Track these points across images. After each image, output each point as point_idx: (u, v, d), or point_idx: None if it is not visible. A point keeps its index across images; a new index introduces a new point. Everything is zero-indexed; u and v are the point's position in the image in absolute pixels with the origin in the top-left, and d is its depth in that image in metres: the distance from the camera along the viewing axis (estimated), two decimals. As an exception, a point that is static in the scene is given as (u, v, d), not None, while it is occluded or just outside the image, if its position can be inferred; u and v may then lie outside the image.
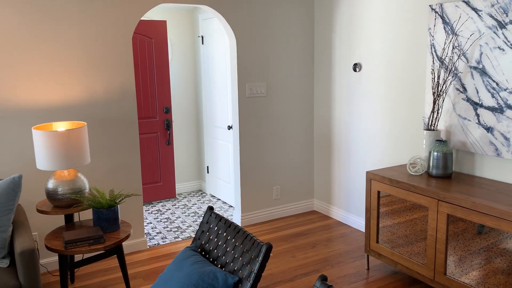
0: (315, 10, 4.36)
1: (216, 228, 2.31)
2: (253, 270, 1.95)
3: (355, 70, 3.94)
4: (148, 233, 4.17)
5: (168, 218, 4.58)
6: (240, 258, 2.06)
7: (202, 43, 5.08)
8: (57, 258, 3.45)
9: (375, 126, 3.81)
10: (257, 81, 4.16)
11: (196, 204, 5.03)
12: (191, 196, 5.34)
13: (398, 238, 3.07)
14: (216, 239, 2.27)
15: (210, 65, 4.99)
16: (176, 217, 4.59)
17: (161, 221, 4.50)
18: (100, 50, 3.39)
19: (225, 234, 2.23)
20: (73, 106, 3.34)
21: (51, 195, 2.89)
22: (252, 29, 4.07)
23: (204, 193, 5.44)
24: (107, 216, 2.85)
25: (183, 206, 4.94)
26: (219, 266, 2.15)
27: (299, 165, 4.55)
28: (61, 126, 3.01)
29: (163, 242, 3.95)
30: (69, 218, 3.07)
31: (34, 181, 3.28)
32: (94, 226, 2.85)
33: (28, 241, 2.38)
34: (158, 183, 5.09)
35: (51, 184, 2.90)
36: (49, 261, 3.42)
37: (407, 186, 2.92)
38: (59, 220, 3.43)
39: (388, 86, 3.65)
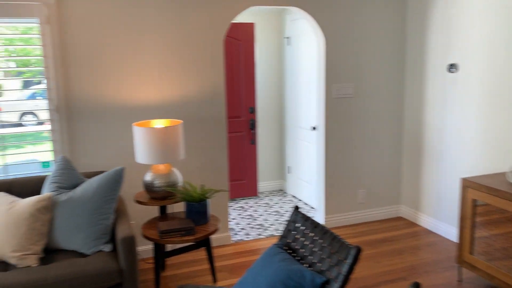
0: (407, 9, 4.20)
1: (303, 227, 2.32)
2: (342, 272, 1.94)
3: (450, 71, 3.74)
4: (232, 228, 4.30)
5: (251, 215, 4.69)
6: (328, 259, 2.06)
7: (289, 44, 5.13)
8: (150, 246, 3.69)
9: (470, 130, 3.58)
10: (345, 81, 4.11)
11: (278, 203, 5.09)
12: (272, 195, 5.41)
13: (495, 251, 2.86)
14: (303, 238, 2.29)
15: (295, 66, 5.02)
16: (259, 215, 4.68)
17: (244, 217, 4.62)
18: (194, 53, 3.57)
19: (312, 234, 2.24)
20: (168, 105, 3.56)
21: (148, 187, 3.10)
22: (341, 29, 4.02)
23: (285, 193, 5.49)
24: (198, 209, 3.00)
25: (265, 205, 5.03)
26: (305, 265, 2.17)
27: (386, 169, 4.41)
28: (159, 123, 3.22)
29: (246, 238, 4.05)
30: (163, 210, 3.27)
31: (132, 174, 3.55)
32: (186, 218, 3.01)
33: (129, 229, 2.58)
34: (242, 180, 5.22)
35: (148, 177, 3.12)
36: (142, 249, 3.67)
37: (507, 196, 2.71)
38: (152, 210, 3.67)
39: (487, 89, 3.41)
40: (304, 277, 1.99)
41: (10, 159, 3.32)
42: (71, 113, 3.31)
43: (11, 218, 2.51)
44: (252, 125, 5.14)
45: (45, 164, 3.48)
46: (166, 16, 3.45)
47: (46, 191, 2.74)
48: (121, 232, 2.55)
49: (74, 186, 2.80)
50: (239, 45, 4.95)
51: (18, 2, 3.06)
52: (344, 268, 1.93)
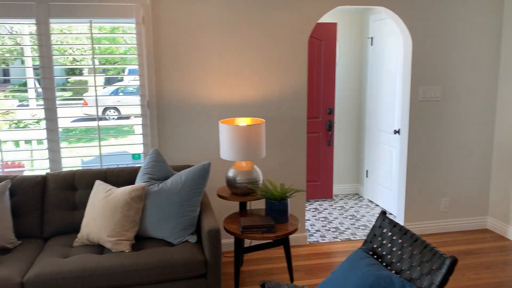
0: (504, 7, 3.93)
1: (390, 233, 2.26)
2: (434, 281, 1.86)
3: (554, 75, 3.44)
4: (307, 229, 4.29)
5: (326, 217, 4.64)
6: (418, 267, 1.98)
7: (371, 45, 5.01)
8: (228, 241, 3.78)
9: None
10: (432, 84, 3.93)
11: (353, 207, 4.99)
12: (347, 198, 5.31)
13: None
14: (390, 244, 2.23)
15: (377, 67, 4.89)
16: (334, 218, 4.62)
17: (319, 219, 4.58)
18: (278, 52, 3.60)
19: (400, 241, 2.17)
20: (251, 103, 3.62)
21: (231, 183, 3.18)
22: (430, 28, 3.85)
23: (361, 197, 5.37)
24: (279, 207, 3.02)
25: (340, 208, 4.95)
26: (393, 272, 2.11)
27: (473, 177, 4.16)
28: (242, 122, 3.29)
29: (322, 240, 4.02)
30: (242, 205, 3.34)
31: (214, 169, 3.65)
32: (266, 216, 3.04)
33: (214, 222, 2.67)
34: (317, 182, 5.19)
35: (231, 173, 3.20)
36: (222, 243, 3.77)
37: None
38: (231, 205, 3.75)
39: None
40: (393, 283, 1.94)
41: (102, 150, 3.56)
42: (160, 109, 3.48)
43: (108, 205, 2.70)
44: (330, 126, 5.08)
45: (135, 156, 3.69)
46: (254, 16, 3.51)
47: (139, 182, 2.90)
48: (208, 224, 2.64)
49: (164, 178, 2.94)
50: (320, 45, 4.91)
51: (118, 4, 3.28)
52: (438, 278, 1.85)
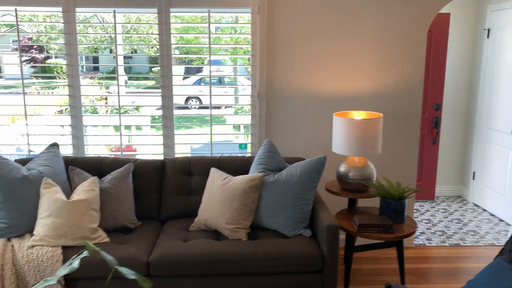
0: None
1: (537, 244, 2.04)
2: None
3: None
4: (410, 231, 4.08)
5: (429, 220, 4.39)
6: None
7: (487, 37, 4.62)
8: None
9: None
10: None
11: (457, 210, 4.67)
12: (450, 201, 4.99)
13: None
14: (538, 256, 2.02)
15: (494, 61, 4.50)
16: (438, 221, 4.36)
17: (421, 221, 4.34)
18: (394, 45, 3.42)
19: (552, 253, 1.95)
20: (363, 96, 3.49)
21: (342, 178, 3.09)
22: None
23: (464, 200, 5.01)
24: (395, 207, 2.88)
25: (443, 210, 4.66)
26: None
27: None
28: (357, 115, 3.18)
29: (428, 243, 3.80)
30: (352, 202, 3.24)
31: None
32: (381, 215, 2.92)
33: (332, 217, 2.60)
34: (418, 181, 4.93)
35: (343, 168, 3.10)
36: (323, 238, 3.70)
37: None
38: (334, 200, 3.64)
39: None
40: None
41: (206, 139, 3.62)
42: (270, 100, 3.47)
43: (226, 192, 2.73)
44: (436, 123, 4.78)
45: (242, 146, 3.73)
46: (371, 7, 3.36)
47: (254, 171, 2.91)
48: (326, 219, 2.58)
49: (278, 169, 2.92)
50: (430, 37, 4.63)
51: (234, -6, 3.30)
52: None
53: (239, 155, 3.30)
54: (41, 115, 3.52)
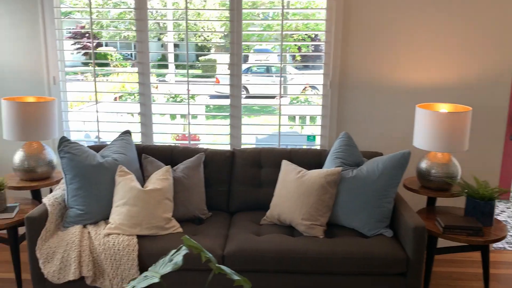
0: None
1: None
2: None
3: None
4: (486, 233, 3.81)
5: (506, 221, 4.09)
6: None
7: None
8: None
9: None
10: None
11: (536, 212, 4.34)
12: (526, 201, 4.64)
13: None
14: None
15: None
16: (516, 223, 4.06)
17: (497, 222, 4.05)
18: (479, 33, 3.14)
19: None
20: (443, 88, 3.25)
21: (423, 175, 2.89)
22: None
23: (542, 201, 4.65)
24: (484, 208, 2.66)
25: (520, 212, 4.34)
26: None
27: None
28: (442, 108, 2.96)
29: (509, 247, 3.53)
30: (432, 201, 3.03)
31: (394, 157, 3.37)
32: (467, 216, 2.70)
33: (419, 218, 2.42)
34: (491, 180, 4.60)
35: (424, 164, 2.90)
36: (393, 236, 3.51)
37: None
38: (414, 199, 3.41)
39: None
40: None
41: (271, 130, 3.49)
42: (343, 90, 3.29)
43: (302, 187, 2.61)
44: (515, 118, 4.43)
45: (310, 138, 3.59)
46: (457, -10, 3.11)
47: (330, 165, 2.76)
48: (411, 220, 2.40)
49: (356, 164, 2.76)
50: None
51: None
52: None
53: (307, 147, 3.16)
54: (105, 102, 3.52)
